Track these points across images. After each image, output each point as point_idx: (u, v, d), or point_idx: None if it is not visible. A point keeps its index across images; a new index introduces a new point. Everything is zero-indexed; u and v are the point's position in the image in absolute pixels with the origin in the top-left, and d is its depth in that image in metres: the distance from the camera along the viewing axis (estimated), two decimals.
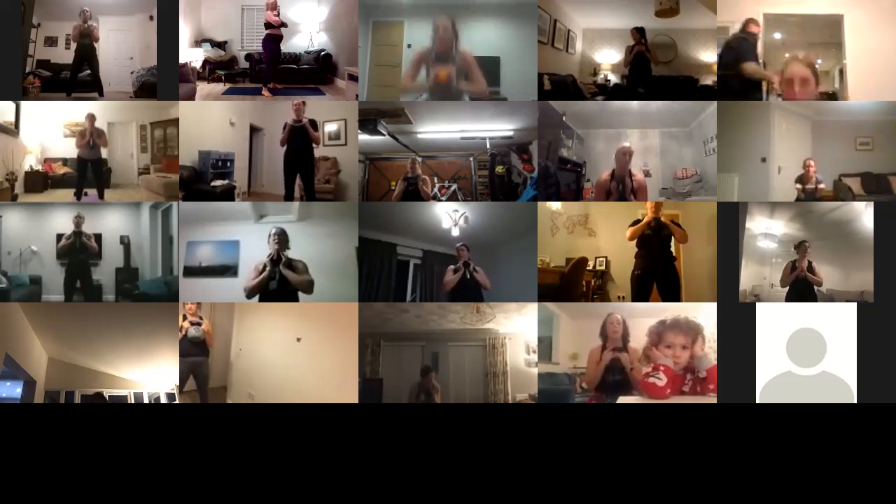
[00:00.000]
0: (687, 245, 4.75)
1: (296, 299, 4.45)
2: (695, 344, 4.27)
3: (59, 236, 4.78)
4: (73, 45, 4.93)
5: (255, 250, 4.88)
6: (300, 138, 4.86)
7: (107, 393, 4.56)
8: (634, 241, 4.69)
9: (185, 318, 4.60)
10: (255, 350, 4.83)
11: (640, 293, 4.63)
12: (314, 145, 4.90)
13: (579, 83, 5.10)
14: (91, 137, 4.76)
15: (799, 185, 4.62)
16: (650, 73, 5.00)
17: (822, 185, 4.60)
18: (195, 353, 4.66)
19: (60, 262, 4.78)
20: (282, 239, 4.52)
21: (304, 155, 4.87)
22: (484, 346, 5.19)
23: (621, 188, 4.67)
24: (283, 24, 5.49)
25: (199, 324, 4.69)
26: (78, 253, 4.76)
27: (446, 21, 4.58)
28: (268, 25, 5.51)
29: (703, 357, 4.25)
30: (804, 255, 4.51)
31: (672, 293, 4.55)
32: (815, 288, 4.48)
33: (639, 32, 5.02)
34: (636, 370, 4.35)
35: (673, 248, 4.74)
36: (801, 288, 4.49)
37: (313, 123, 4.88)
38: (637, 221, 4.69)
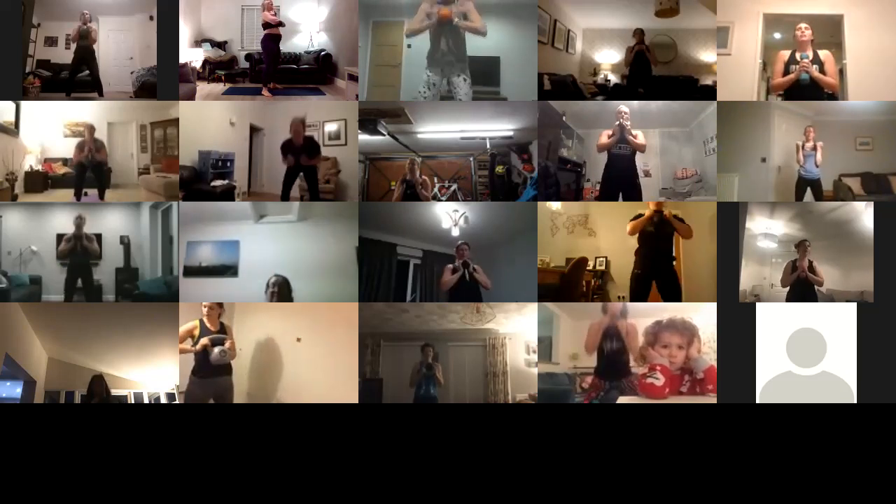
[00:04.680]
0: (687, 245, 4.76)
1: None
2: (691, 345, 4.26)
3: (60, 237, 4.78)
4: (73, 46, 4.93)
5: (255, 250, 4.89)
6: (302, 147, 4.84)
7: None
8: (635, 238, 4.68)
9: (201, 329, 4.37)
10: (255, 350, 4.82)
11: (640, 292, 4.62)
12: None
13: (579, 83, 5.10)
14: (90, 152, 4.73)
15: (799, 142, 4.65)
16: (650, 73, 5.01)
17: (821, 144, 4.65)
18: (218, 374, 4.39)
19: (61, 262, 4.77)
20: (282, 289, 4.50)
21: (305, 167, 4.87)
22: (484, 346, 5.19)
23: (621, 131, 4.75)
24: (281, 24, 5.48)
25: (221, 343, 4.38)
26: (79, 255, 4.74)
27: None
28: (266, 25, 5.51)
29: (700, 359, 4.24)
30: (804, 255, 4.50)
31: (672, 293, 4.54)
32: (816, 288, 4.48)
33: (640, 32, 5.04)
34: (632, 338, 4.36)
35: (674, 248, 4.72)
36: (802, 288, 4.48)
37: (313, 147, 4.84)
38: (639, 216, 4.66)
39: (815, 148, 4.65)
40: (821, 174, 4.65)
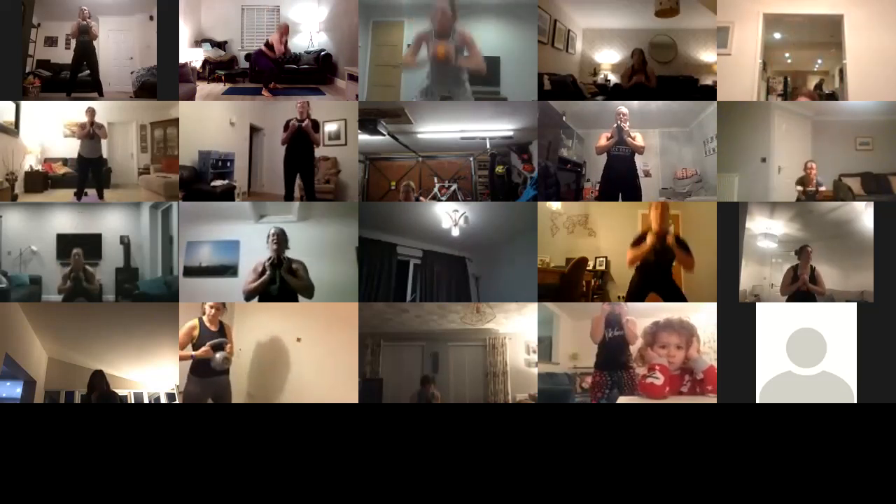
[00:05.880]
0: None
1: (295, 299, 4.45)
2: (689, 345, 4.26)
3: (60, 238, 4.77)
4: (73, 43, 4.93)
5: (255, 250, 4.88)
6: (301, 138, 4.86)
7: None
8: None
9: (201, 330, 4.34)
10: (255, 350, 4.82)
11: (637, 298, 4.56)
12: (314, 146, 4.91)
13: (579, 83, 5.10)
14: (91, 128, 4.76)
15: (800, 187, 4.62)
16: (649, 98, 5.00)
17: (822, 188, 4.60)
18: (217, 373, 4.38)
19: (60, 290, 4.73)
20: (281, 239, 4.47)
21: (304, 155, 4.87)
22: (484, 346, 5.19)
23: (620, 133, 4.73)
24: (283, 54, 5.49)
25: (222, 347, 4.36)
26: (78, 293, 4.70)
27: (444, 4, 4.54)
28: (268, 45, 5.50)
29: (699, 359, 4.24)
30: (807, 262, 4.47)
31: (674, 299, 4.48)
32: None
33: (641, 55, 4.99)
34: (630, 331, 4.33)
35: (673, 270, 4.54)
36: (802, 297, 4.45)
37: (315, 125, 4.88)
38: (640, 238, 4.45)
39: (817, 191, 4.58)
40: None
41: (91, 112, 4.74)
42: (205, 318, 4.39)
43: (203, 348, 4.31)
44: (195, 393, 4.33)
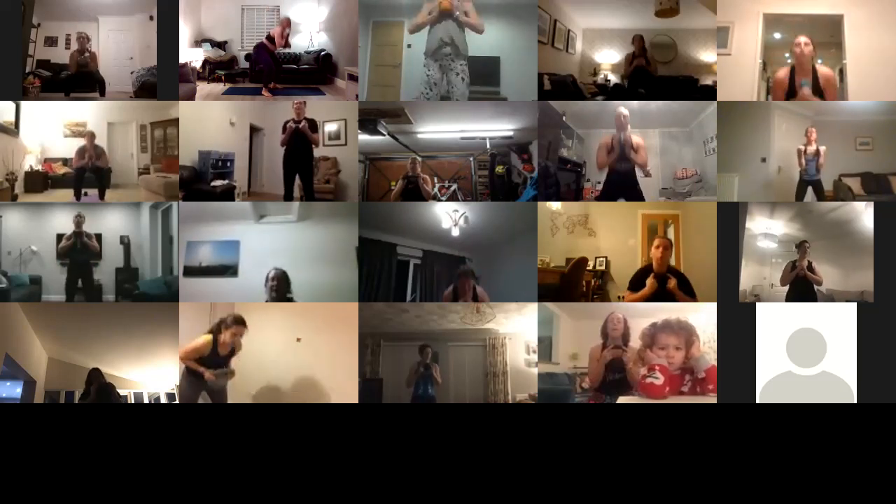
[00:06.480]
0: (687, 245, 4.76)
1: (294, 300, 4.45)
2: (689, 345, 4.26)
3: (60, 237, 4.78)
4: (74, 69, 4.92)
5: (255, 250, 4.89)
6: (299, 139, 4.87)
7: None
8: (636, 246, 4.67)
9: (212, 351, 4.26)
10: (255, 350, 4.81)
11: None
12: (313, 146, 4.91)
13: (579, 83, 5.10)
14: (90, 159, 4.74)
15: (801, 146, 4.63)
16: (650, 83, 4.99)
17: (823, 148, 4.61)
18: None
19: (61, 262, 4.77)
20: (281, 284, 4.38)
21: (302, 155, 4.87)
22: (484, 346, 5.19)
23: (621, 148, 4.71)
24: (285, 46, 5.51)
25: (224, 375, 4.32)
26: (79, 253, 4.75)
27: None
28: (269, 38, 5.51)
29: (701, 358, 4.24)
30: (804, 255, 4.50)
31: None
32: (815, 287, 4.48)
33: (640, 39, 5.00)
34: (634, 371, 4.32)
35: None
36: (801, 287, 4.48)
37: (313, 125, 4.88)
38: (639, 279, 4.41)
39: (817, 152, 4.62)
40: (822, 175, 4.65)
41: (90, 137, 4.73)
42: (220, 339, 4.28)
43: (207, 373, 4.24)
44: (190, 390, 4.33)
